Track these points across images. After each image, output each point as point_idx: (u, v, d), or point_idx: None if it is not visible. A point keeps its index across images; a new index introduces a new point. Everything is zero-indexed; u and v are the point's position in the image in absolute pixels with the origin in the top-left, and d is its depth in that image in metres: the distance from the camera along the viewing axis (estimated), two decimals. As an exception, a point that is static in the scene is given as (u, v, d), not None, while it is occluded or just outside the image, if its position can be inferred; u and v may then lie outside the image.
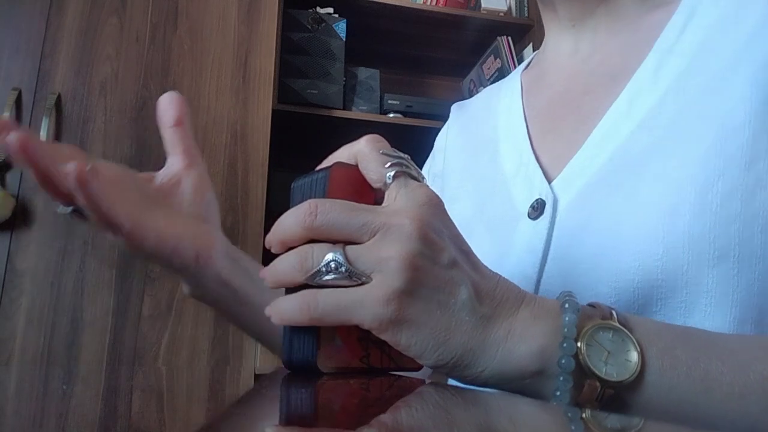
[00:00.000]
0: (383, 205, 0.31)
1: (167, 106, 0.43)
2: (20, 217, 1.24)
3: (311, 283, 0.29)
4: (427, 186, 0.31)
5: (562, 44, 0.53)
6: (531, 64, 0.61)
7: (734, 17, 0.41)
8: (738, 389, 0.29)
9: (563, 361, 0.29)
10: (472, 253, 0.32)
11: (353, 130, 1.69)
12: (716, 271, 0.35)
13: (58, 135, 1.30)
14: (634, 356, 0.29)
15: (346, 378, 0.30)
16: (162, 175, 0.44)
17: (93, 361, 1.22)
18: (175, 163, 0.44)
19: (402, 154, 0.32)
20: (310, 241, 0.30)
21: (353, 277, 0.28)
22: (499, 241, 0.47)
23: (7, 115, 1.24)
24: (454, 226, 0.32)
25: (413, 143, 1.85)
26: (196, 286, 0.45)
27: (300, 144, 1.80)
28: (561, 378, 0.29)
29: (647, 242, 0.37)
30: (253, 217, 1.36)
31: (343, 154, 0.33)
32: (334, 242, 0.29)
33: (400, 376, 0.32)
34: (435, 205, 0.30)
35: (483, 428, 0.20)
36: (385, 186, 0.31)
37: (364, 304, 0.28)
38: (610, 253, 0.38)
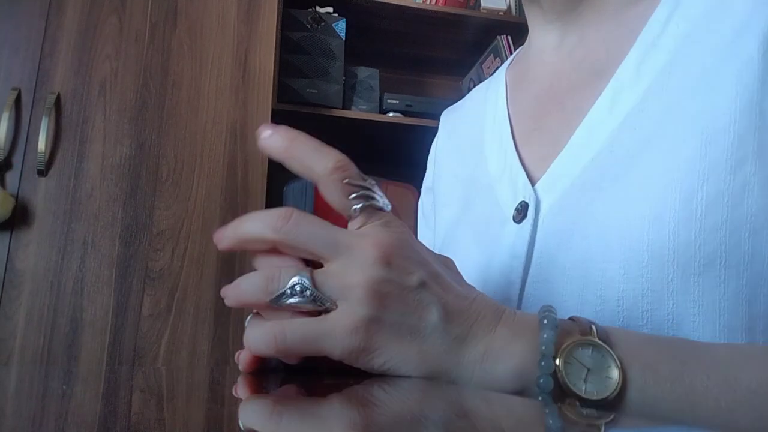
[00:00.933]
0: (355, 230, 0.30)
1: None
2: (20, 217, 1.24)
3: (274, 305, 0.29)
4: (393, 216, 0.31)
5: (547, 38, 0.52)
6: (515, 60, 0.59)
7: (719, 9, 0.39)
8: (725, 404, 0.28)
9: (541, 381, 0.28)
10: (443, 275, 0.31)
11: (353, 130, 1.69)
12: (702, 279, 0.34)
13: (57, 135, 1.30)
14: (614, 373, 0.28)
15: (344, 378, 0.30)
16: None
17: (93, 361, 1.22)
18: None
19: (367, 182, 0.30)
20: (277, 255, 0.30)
21: (318, 301, 0.28)
22: (486, 245, 0.47)
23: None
24: (424, 251, 0.31)
25: (413, 143, 1.86)
26: None
27: (300, 143, 1.80)
28: (540, 399, 0.28)
29: (632, 250, 0.36)
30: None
31: (312, 161, 0.31)
32: (299, 258, 0.29)
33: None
34: (400, 233, 0.30)
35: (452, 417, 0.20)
36: (351, 216, 0.30)
37: (332, 335, 0.28)
38: (595, 259, 0.37)
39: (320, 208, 0.32)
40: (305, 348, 0.28)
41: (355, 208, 0.30)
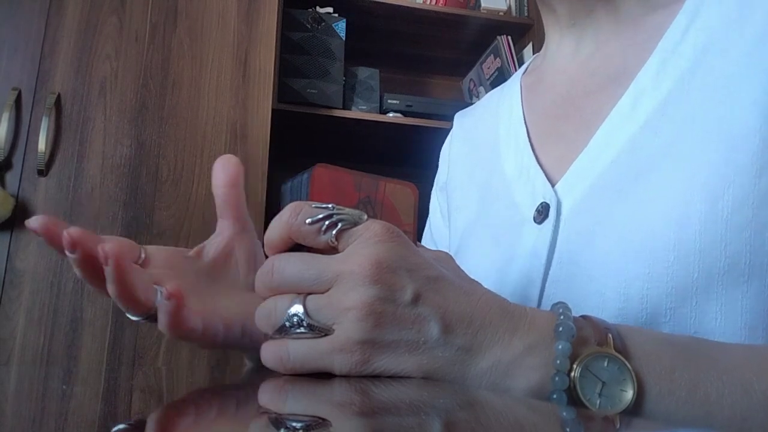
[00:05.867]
0: (339, 255, 0.30)
1: (221, 166, 0.40)
2: (20, 217, 1.24)
3: (279, 336, 0.29)
4: (374, 221, 0.30)
5: (563, 46, 0.53)
6: (530, 67, 0.60)
7: (738, 18, 0.40)
8: (740, 412, 0.28)
9: (555, 396, 0.28)
10: (441, 277, 0.30)
11: (353, 130, 1.69)
12: (726, 278, 0.35)
13: (57, 135, 1.30)
14: (629, 386, 0.28)
15: (348, 379, 0.30)
16: (214, 245, 0.39)
17: (93, 361, 1.22)
18: (225, 229, 0.39)
19: (326, 209, 0.29)
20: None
21: (315, 330, 0.28)
22: (505, 246, 0.47)
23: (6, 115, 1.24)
24: (414, 255, 0.30)
25: (413, 143, 1.85)
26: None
27: (300, 144, 1.80)
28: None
29: (658, 249, 0.36)
30: (253, 216, 1.36)
31: (275, 232, 0.31)
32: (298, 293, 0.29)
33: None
34: (386, 241, 0.29)
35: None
36: (332, 244, 0.29)
37: (330, 358, 0.28)
38: (619, 259, 0.38)
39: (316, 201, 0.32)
40: (308, 366, 0.29)
41: (332, 239, 0.29)
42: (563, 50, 0.53)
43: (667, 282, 0.36)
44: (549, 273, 0.42)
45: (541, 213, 0.44)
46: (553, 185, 0.45)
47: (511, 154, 0.52)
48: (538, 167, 0.47)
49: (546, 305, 0.41)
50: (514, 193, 0.49)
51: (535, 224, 0.44)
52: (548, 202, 0.44)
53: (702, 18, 0.42)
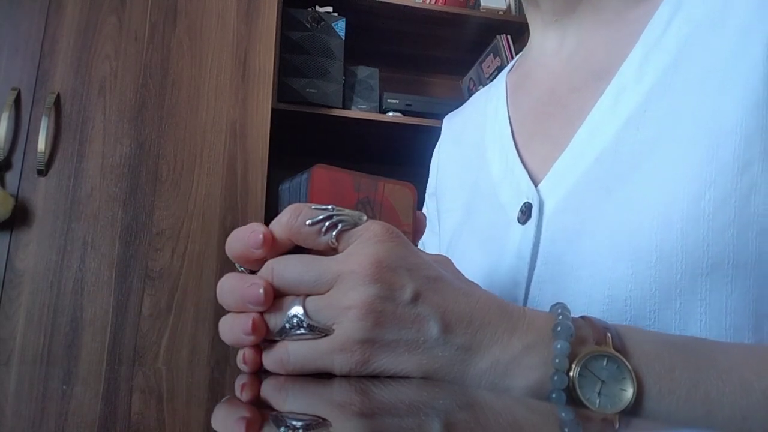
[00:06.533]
0: (339, 255, 0.30)
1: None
2: (20, 217, 1.24)
3: (279, 339, 0.29)
4: (374, 222, 0.30)
5: (546, 42, 0.52)
6: (515, 65, 0.60)
7: (721, 13, 0.39)
8: (740, 411, 0.28)
9: (554, 396, 0.28)
10: (440, 277, 0.30)
11: (353, 129, 1.69)
12: (710, 279, 0.34)
13: (57, 135, 1.30)
14: (629, 385, 0.28)
15: (348, 379, 0.30)
16: None
17: (93, 361, 1.22)
18: None
19: (325, 210, 0.29)
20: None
21: (315, 330, 0.28)
22: (491, 248, 0.46)
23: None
24: (414, 255, 0.30)
25: (413, 142, 1.85)
26: None
27: (299, 143, 1.80)
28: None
29: (641, 250, 0.36)
30: (253, 216, 1.36)
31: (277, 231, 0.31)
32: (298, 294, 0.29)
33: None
34: (386, 241, 0.29)
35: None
36: (333, 245, 0.29)
37: (329, 357, 0.28)
38: (604, 259, 0.37)
39: (315, 202, 0.32)
40: (309, 367, 0.29)
41: (332, 240, 0.29)
42: (547, 46, 0.52)
43: (650, 283, 0.35)
44: (534, 274, 0.41)
45: (525, 213, 0.43)
46: (537, 185, 0.44)
47: (496, 155, 0.51)
48: (522, 167, 0.47)
49: (531, 307, 0.41)
50: (499, 193, 0.48)
51: (520, 225, 0.44)
52: (531, 201, 0.43)
53: (685, 10, 0.41)
